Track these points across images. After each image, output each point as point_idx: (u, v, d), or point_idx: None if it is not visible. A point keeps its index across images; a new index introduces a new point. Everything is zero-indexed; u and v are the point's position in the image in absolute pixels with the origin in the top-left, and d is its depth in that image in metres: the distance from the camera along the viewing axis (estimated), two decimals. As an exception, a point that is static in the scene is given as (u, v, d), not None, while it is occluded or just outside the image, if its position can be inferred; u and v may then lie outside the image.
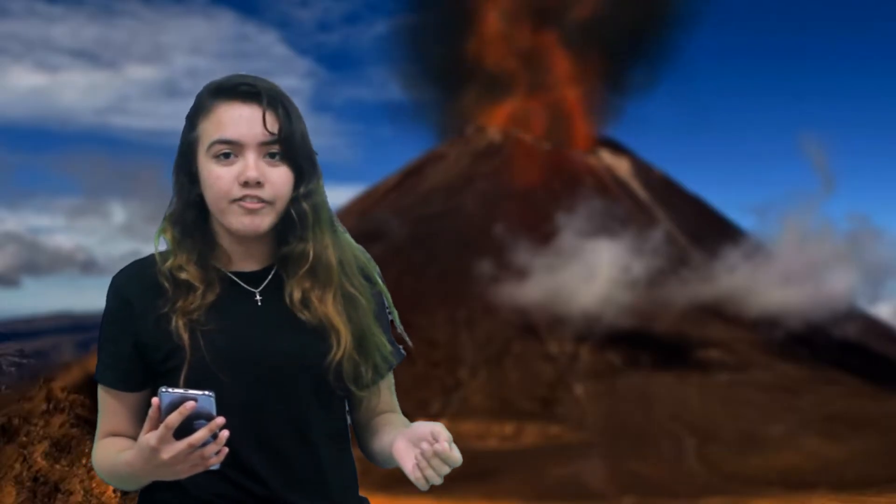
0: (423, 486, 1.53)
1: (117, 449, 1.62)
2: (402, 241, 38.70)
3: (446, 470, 1.51)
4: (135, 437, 1.66)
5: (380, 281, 1.77)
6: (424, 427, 1.54)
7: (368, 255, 1.80)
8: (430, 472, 1.50)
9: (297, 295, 1.65)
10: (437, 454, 1.50)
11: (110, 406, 1.68)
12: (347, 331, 1.65)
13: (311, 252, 1.64)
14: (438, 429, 1.52)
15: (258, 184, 1.58)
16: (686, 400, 31.08)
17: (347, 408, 1.76)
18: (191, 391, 1.43)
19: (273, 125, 1.59)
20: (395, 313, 1.79)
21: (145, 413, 1.71)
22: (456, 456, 1.50)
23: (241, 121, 1.58)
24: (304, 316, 1.64)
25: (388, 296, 1.79)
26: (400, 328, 1.79)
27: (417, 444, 1.52)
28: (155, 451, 1.45)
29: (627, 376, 32.54)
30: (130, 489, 1.77)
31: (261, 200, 1.59)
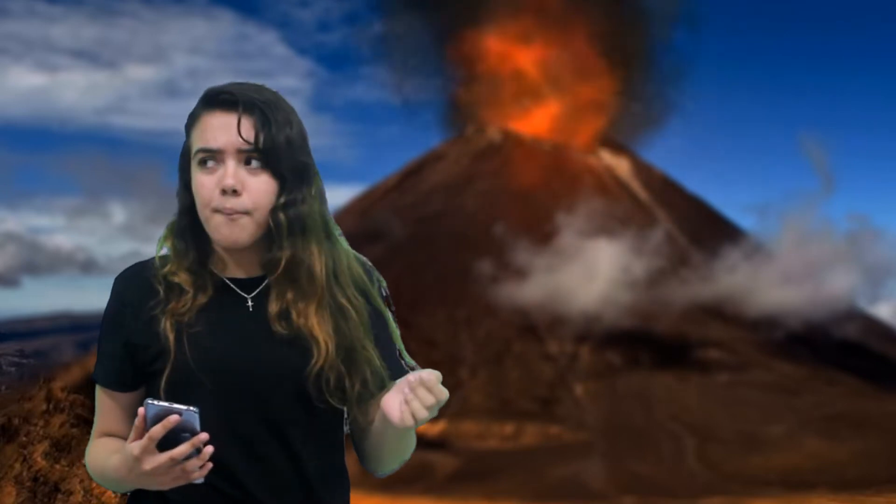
0: (408, 421, 1.50)
1: (108, 451, 1.63)
2: (402, 241, 38.68)
3: (432, 401, 1.49)
4: (127, 438, 1.68)
5: (379, 299, 1.75)
6: (410, 374, 1.53)
7: (372, 268, 1.78)
8: (415, 404, 1.49)
9: (274, 308, 1.64)
10: (422, 382, 1.49)
11: (105, 405, 1.71)
12: (331, 342, 1.64)
13: (283, 260, 1.63)
14: (425, 370, 1.52)
15: (235, 192, 1.58)
16: (686, 400, 31.08)
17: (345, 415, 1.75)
18: (175, 405, 1.44)
19: (248, 133, 1.58)
20: (401, 343, 1.76)
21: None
22: (442, 389, 1.49)
23: (219, 129, 1.59)
24: (279, 328, 1.63)
25: (389, 316, 1.76)
26: (408, 359, 1.76)
27: (402, 389, 1.52)
28: (137, 460, 1.46)
29: (627, 376, 32.53)
30: (119, 491, 1.78)
31: (239, 211, 1.59)
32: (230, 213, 1.59)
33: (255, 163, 1.60)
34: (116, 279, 1.70)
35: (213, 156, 1.59)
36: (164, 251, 1.70)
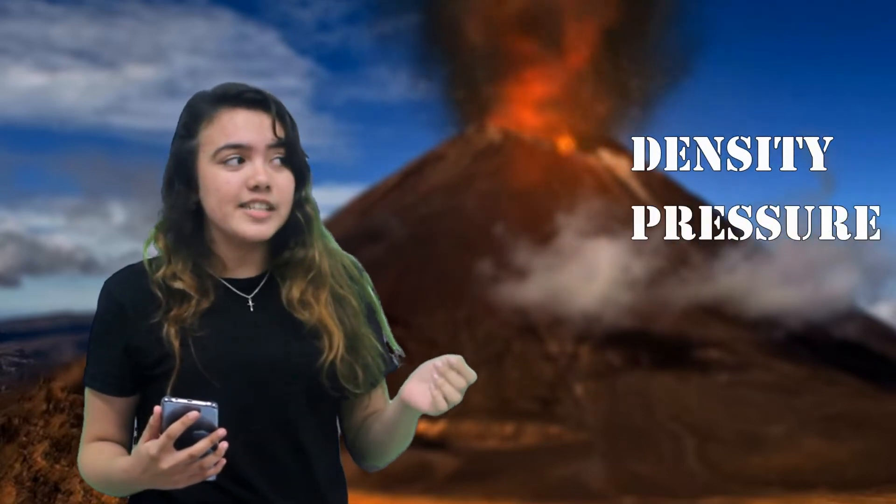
0: (441, 404, 1.54)
1: (108, 455, 1.62)
2: (402, 241, 38.68)
3: (462, 383, 1.54)
4: (122, 443, 1.68)
5: (371, 293, 1.79)
6: (434, 359, 1.57)
7: (360, 266, 1.82)
8: (447, 388, 1.54)
9: (295, 294, 1.66)
10: (452, 367, 1.53)
11: (99, 410, 1.68)
12: (340, 332, 1.66)
13: (315, 257, 1.68)
14: (451, 355, 1.56)
15: (267, 188, 1.62)
16: (686, 400, 31.07)
17: (338, 416, 1.76)
18: (194, 402, 1.44)
19: (280, 130, 1.63)
20: (389, 331, 1.79)
21: (132, 419, 1.73)
22: (471, 371, 1.55)
23: (250, 126, 1.62)
24: (302, 316, 1.65)
25: (379, 309, 1.80)
26: (398, 349, 1.78)
27: (427, 377, 1.56)
28: (154, 459, 1.45)
29: (627, 376, 32.52)
30: (119, 495, 1.77)
31: (268, 206, 1.62)
32: (259, 212, 1.62)
33: (280, 160, 1.64)
34: (108, 283, 1.67)
35: (241, 152, 1.61)
36: (154, 253, 1.69)
